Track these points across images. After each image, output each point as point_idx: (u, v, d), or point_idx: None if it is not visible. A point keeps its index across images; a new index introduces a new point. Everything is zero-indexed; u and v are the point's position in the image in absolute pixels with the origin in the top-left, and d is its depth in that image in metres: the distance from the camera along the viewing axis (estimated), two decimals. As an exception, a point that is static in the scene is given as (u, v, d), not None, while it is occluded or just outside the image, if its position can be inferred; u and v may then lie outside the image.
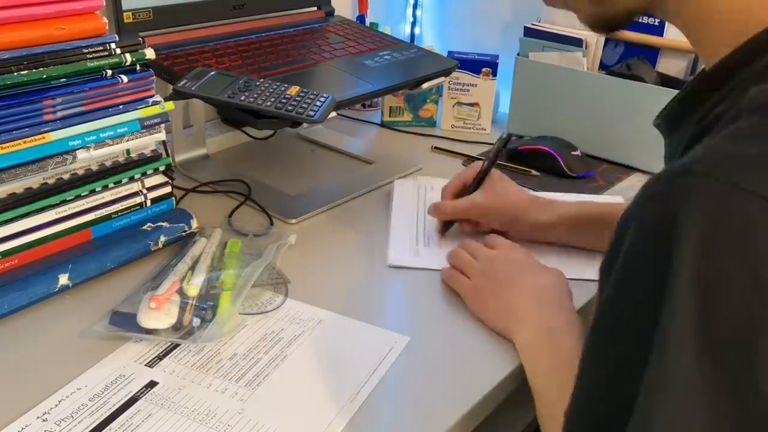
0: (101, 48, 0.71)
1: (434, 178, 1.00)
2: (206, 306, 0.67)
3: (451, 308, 0.73)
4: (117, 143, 0.74)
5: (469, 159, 1.10)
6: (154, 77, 0.77)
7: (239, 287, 0.70)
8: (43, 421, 0.55)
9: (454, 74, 1.15)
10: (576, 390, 0.46)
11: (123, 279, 0.74)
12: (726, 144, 0.40)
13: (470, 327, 0.69)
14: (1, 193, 0.67)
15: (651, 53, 1.10)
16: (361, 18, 1.35)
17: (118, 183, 0.76)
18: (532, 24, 1.16)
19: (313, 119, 0.79)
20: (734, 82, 0.45)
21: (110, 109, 0.73)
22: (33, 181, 0.69)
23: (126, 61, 0.73)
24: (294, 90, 0.83)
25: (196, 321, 0.66)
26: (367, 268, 0.80)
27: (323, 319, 0.69)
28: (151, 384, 0.60)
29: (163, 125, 0.78)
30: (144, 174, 0.79)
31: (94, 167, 0.74)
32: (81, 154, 0.71)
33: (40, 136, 0.67)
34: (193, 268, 0.73)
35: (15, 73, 0.64)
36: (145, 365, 0.62)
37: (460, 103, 1.21)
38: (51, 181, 0.71)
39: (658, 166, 1.08)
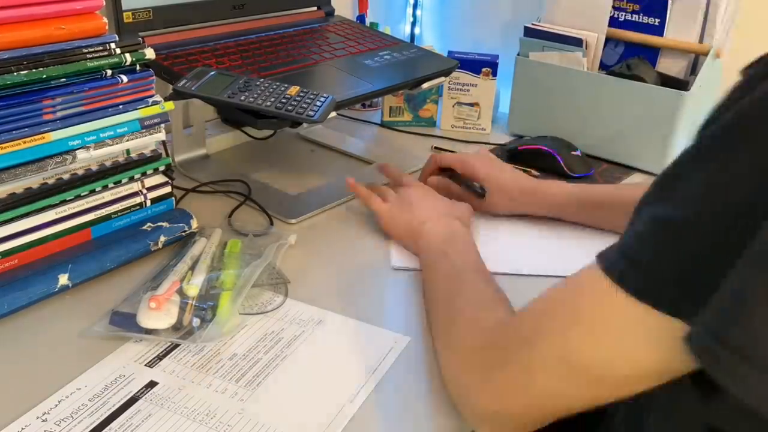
0: (101, 48, 0.71)
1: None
2: (206, 306, 0.67)
3: (451, 308, 0.73)
4: (117, 143, 0.74)
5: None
6: (154, 77, 0.77)
7: (239, 287, 0.70)
8: (43, 421, 0.55)
9: (454, 74, 1.15)
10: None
11: (123, 279, 0.74)
12: None
13: (470, 327, 0.69)
14: (1, 193, 0.67)
15: (651, 53, 1.10)
16: (361, 18, 1.36)
17: (118, 183, 0.76)
18: (532, 24, 1.16)
19: (313, 119, 0.79)
20: None
21: (110, 109, 0.73)
22: (33, 181, 0.69)
23: (126, 61, 0.73)
24: (294, 90, 0.83)
25: (196, 321, 0.66)
26: (367, 268, 0.80)
27: (323, 319, 0.69)
28: (151, 384, 0.60)
29: (163, 125, 0.78)
30: (144, 174, 0.79)
31: (94, 167, 0.74)
32: (81, 154, 0.71)
33: (39, 136, 0.67)
34: (193, 268, 0.73)
35: (15, 73, 0.64)
36: (145, 365, 0.62)
37: (460, 103, 1.21)
38: (51, 181, 0.71)
39: (658, 166, 1.08)
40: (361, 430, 0.56)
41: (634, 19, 1.11)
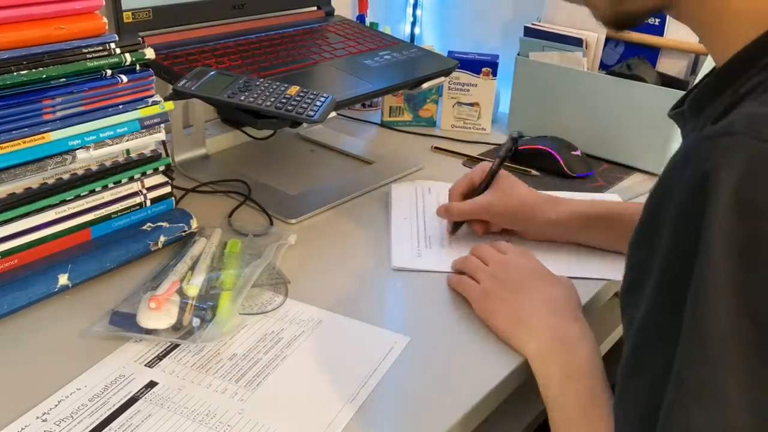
0: (101, 48, 0.71)
1: (431, 182, 1.00)
2: (206, 306, 0.67)
3: (451, 308, 0.73)
4: (117, 143, 0.74)
5: (470, 159, 1.10)
6: (154, 77, 0.77)
7: (239, 287, 0.70)
8: (43, 421, 0.55)
9: (454, 74, 1.15)
10: (631, 349, 0.46)
11: (123, 279, 0.74)
12: (762, 107, 0.42)
13: (470, 327, 0.69)
14: (1, 193, 0.67)
15: (651, 53, 1.10)
16: (361, 18, 1.35)
17: (117, 183, 0.76)
18: (533, 24, 1.16)
19: (313, 119, 0.79)
20: (766, 60, 0.46)
21: (110, 109, 0.73)
22: (33, 181, 0.69)
23: (126, 61, 0.73)
24: (294, 90, 0.83)
25: (196, 321, 0.66)
26: (367, 268, 0.79)
27: (323, 319, 0.69)
28: (151, 384, 0.59)
29: (162, 125, 0.78)
30: (144, 174, 0.79)
31: (94, 167, 0.74)
32: (81, 154, 0.71)
33: (39, 136, 0.67)
34: (192, 268, 0.73)
35: (14, 73, 0.64)
36: (145, 365, 0.62)
37: (460, 103, 1.21)
38: (51, 181, 0.70)
39: (658, 166, 1.07)
40: (361, 430, 0.56)
41: (634, 19, 1.11)
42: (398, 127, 1.22)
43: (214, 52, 0.96)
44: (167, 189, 0.82)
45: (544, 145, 1.07)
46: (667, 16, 1.07)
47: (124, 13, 0.91)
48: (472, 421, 0.61)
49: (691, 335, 0.40)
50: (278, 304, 0.71)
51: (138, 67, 0.75)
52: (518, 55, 1.17)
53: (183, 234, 0.80)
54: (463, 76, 1.19)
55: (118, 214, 0.77)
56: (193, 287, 0.69)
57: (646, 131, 1.07)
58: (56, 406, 0.56)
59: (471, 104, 1.21)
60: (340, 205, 0.93)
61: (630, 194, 1.01)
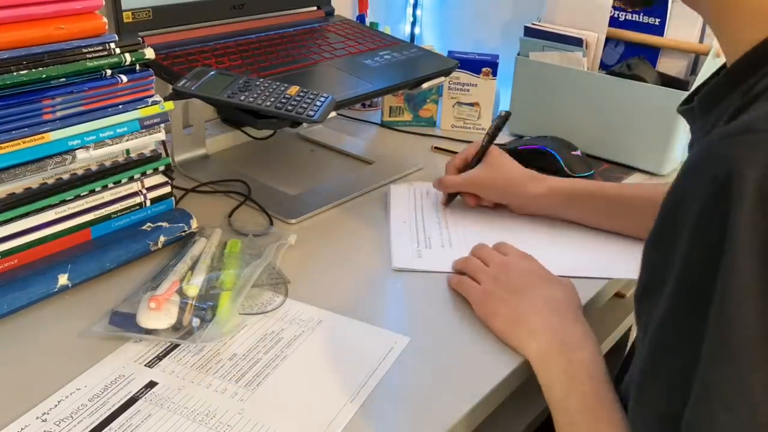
0: (101, 48, 0.71)
1: (428, 183, 1.00)
2: (206, 306, 0.67)
3: (451, 308, 0.73)
4: (116, 143, 0.74)
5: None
6: (154, 77, 0.77)
7: (239, 287, 0.70)
8: (43, 421, 0.55)
9: (454, 74, 1.15)
10: (649, 350, 0.46)
11: (122, 279, 0.74)
12: None
13: (470, 327, 0.69)
14: (1, 193, 0.67)
15: (651, 53, 1.10)
16: (361, 18, 1.35)
17: (117, 183, 0.76)
18: (533, 24, 1.16)
19: (313, 119, 0.79)
20: None
21: (110, 109, 0.73)
22: (32, 181, 0.69)
23: (125, 61, 0.73)
24: (294, 90, 0.83)
25: (196, 321, 0.66)
26: (367, 268, 0.79)
27: (323, 319, 0.69)
28: (151, 384, 0.59)
29: (162, 125, 0.78)
30: (143, 174, 0.78)
31: (94, 167, 0.74)
32: (80, 154, 0.71)
33: (39, 136, 0.67)
34: (192, 268, 0.73)
35: (14, 73, 0.64)
36: (145, 365, 0.62)
37: (460, 103, 1.21)
38: (50, 181, 0.70)
39: (658, 165, 1.07)
40: (361, 430, 0.56)
41: (634, 18, 1.11)
42: (398, 127, 1.22)
43: (214, 52, 0.96)
44: (167, 189, 0.82)
45: (544, 145, 1.07)
46: (668, 16, 1.07)
47: (124, 13, 0.91)
48: (473, 421, 0.61)
49: (716, 335, 0.40)
50: (278, 304, 0.71)
51: (138, 67, 0.75)
52: (518, 55, 1.17)
53: (183, 234, 0.80)
54: (463, 76, 1.19)
55: (118, 214, 0.77)
56: (193, 287, 0.69)
57: (646, 131, 1.06)
58: (56, 406, 0.56)
59: (471, 104, 1.21)
60: (340, 205, 0.93)
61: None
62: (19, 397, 0.57)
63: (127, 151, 0.77)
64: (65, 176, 0.71)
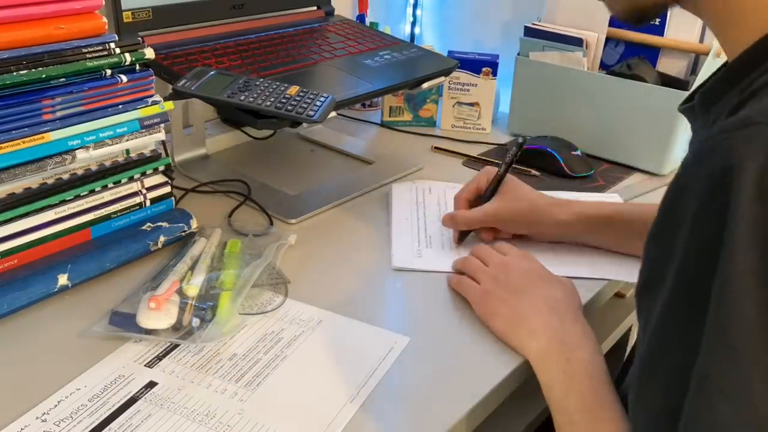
0: (100, 48, 0.71)
1: (431, 181, 1.00)
2: (206, 306, 0.67)
3: (451, 308, 0.72)
4: (116, 143, 0.74)
5: (470, 159, 1.10)
6: (154, 77, 0.77)
7: (239, 287, 0.70)
8: (43, 421, 0.55)
9: (454, 74, 1.15)
10: (649, 345, 0.46)
11: (122, 279, 0.74)
12: None
13: (470, 327, 0.69)
14: (1, 193, 0.67)
15: (651, 53, 1.10)
16: (361, 18, 1.35)
17: (117, 183, 0.76)
18: (533, 24, 1.16)
19: (313, 119, 0.79)
20: None
21: (109, 109, 0.73)
22: (32, 181, 0.69)
23: (125, 61, 0.73)
24: (294, 90, 0.83)
25: (196, 321, 0.66)
26: (367, 268, 0.79)
27: (323, 319, 0.69)
28: (151, 384, 0.59)
29: (162, 125, 0.78)
30: (143, 174, 0.78)
31: (94, 167, 0.74)
32: (80, 154, 0.71)
33: (39, 136, 0.67)
34: (192, 268, 0.73)
35: (14, 73, 0.64)
36: (145, 365, 0.62)
37: (460, 103, 1.21)
38: (50, 181, 0.70)
39: (658, 165, 1.07)
40: (361, 430, 0.56)
41: (634, 18, 1.11)
42: (398, 127, 1.22)
43: (214, 52, 0.96)
44: (167, 189, 0.82)
45: (544, 145, 1.07)
46: (668, 16, 1.07)
47: (124, 13, 0.91)
48: (473, 421, 0.61)
49: (715, 327, 0.40)
50: (278, 304, 0.71)
51: (138, 67, 0.75)
52: (518, 55, 1.17)
53: (183, 234, 0.80)
54: (463, 76, 1.19)
55: (118, 214, 0.77)
56: (193, 287, 0.69)
57: (646, 131, 1.06)
58: (56, 406, 0.56)
59: (471, 104, 1.21)
60: (340, 205, 0.93)
61: (630, 194, 1.01)
62: (19, 397, 0.57)
63: (127, 151, 0.77)
64: (65, 176, 0.71)
